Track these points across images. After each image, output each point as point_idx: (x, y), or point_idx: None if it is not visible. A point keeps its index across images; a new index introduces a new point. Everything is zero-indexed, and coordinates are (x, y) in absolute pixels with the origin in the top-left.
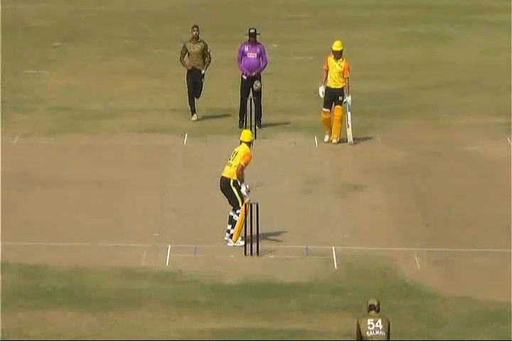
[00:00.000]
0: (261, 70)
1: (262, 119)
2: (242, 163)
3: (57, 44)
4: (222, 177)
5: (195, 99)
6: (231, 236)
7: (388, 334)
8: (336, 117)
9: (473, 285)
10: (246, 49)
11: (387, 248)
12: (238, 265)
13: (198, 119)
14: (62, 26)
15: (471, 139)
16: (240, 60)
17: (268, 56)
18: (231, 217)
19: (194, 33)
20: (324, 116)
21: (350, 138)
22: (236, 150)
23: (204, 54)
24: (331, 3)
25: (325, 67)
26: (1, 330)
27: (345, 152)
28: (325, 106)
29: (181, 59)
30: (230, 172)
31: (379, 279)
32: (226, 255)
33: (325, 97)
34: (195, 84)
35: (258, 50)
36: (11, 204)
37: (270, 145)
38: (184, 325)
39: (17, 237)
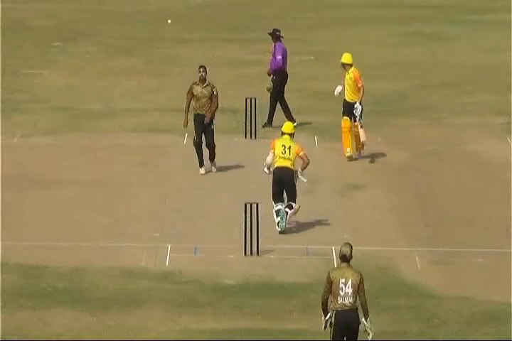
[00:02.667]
0: (271, 70)
1: (261, 119)
2: (303, 152)
3: (58, 44)
4: (286, 168)
5: (206, 147)
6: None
7: (358, 289)
8: (354, 133)
9: (473, 285)
10: (270, 49)
11: (387, 248)
12: (238, 265)
13: (206, 172)
14: (62, 26)
15: (472, 139)
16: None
17: (279, 56)
18: (278, 211)
19: (201, 74)
20: (345, 125)
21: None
22: (286, 144)
23: (211, 99)
24: (332, 2)
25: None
26: (1, 330)
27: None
28: (343, 116)
29: (187, 108)
30: (292, 164)
31: (379, 279)
32: (226, 255)
33: (343, 108)
34: (204, 132)
35: (272, 49)
36: (11, 204)
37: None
38: (184, 325)
39: (17, 237)
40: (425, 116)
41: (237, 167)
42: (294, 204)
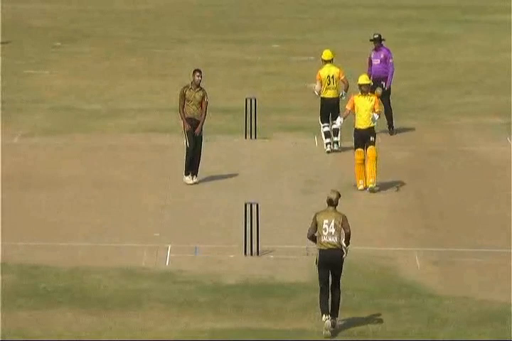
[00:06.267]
0: (388, 75)
1: (261, 119)
2: (343, 76)
3: (58, 44)
4: (332, 98)
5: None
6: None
7: (342, 226)
8: (370, 158)
9: (473, 285)
10: (372, 56)
11: (387, 248)
12: (238, 265)
13: (194, 183)
14: (62, 26)
15: (471, 139)
16: (369, 67)
17: (392, 60)
18: (336, 130)
19: (198, 78)
20: (358, 157)
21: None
22: (330, 74)
23: (201, 104)
24: (332, 2)
25: (349, 107)
26: (1, 330)
27: (345, 152)
28: (356, 147)
29: (181, 111)
30: (336, 92)
31: (379, 279)
32: (226, 255)
33: (355, 139)
34: (195, 138)
35: (382, 55)
36: (11, 204)
37: (270, 145)
38: (184, 325)
39: (17, 237)
40: (425, 117)
41: (237, 167)
42: (338, 121)
